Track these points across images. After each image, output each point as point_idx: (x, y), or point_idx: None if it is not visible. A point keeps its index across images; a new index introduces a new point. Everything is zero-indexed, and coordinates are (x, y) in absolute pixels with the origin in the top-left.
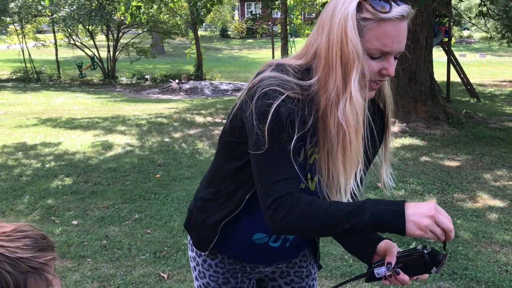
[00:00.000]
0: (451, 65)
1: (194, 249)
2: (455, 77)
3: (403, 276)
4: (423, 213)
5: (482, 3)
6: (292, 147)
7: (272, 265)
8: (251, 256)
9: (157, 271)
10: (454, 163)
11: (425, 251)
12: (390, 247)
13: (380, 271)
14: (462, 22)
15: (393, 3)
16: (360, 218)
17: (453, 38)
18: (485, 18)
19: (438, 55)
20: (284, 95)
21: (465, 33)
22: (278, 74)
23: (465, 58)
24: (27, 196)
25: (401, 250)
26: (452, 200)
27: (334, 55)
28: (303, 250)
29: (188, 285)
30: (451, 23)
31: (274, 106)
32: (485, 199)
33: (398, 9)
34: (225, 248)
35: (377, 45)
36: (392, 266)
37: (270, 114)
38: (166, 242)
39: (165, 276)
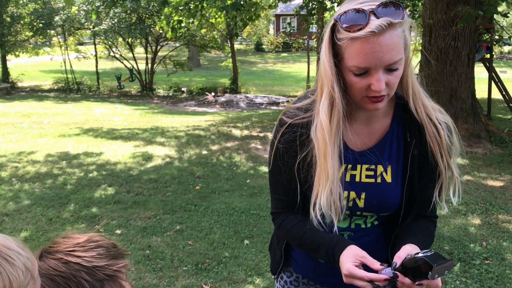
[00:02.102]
0: (492, 82)
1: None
2: (495, 94)
3: (402, 279)
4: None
5: None
6: (290, 169)
7: None
8: (320, 276)
9: (200, 283)
10: (497, 183)
11: (420, 255)
12: (402, 249)
13: (386, 271)
14: (505, 38)
15: (371, 17)
16: (318, 256)
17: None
18: None
19: (478, 71)
20: (286, 124)
21: (506, 48)
22: (295, 104)
23: (506, 75)
24: (72, 205)
25: (417, 252)
26: (497, 222)
27: (319, 77)
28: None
29: None
30: (494, 39)
31: (277, 137)
32: None
33: (373, 25)
34: (297, 266)
35: (354, 62)
36: (394, 267)
37: (271, 143)
38: (207, 254)
39: None
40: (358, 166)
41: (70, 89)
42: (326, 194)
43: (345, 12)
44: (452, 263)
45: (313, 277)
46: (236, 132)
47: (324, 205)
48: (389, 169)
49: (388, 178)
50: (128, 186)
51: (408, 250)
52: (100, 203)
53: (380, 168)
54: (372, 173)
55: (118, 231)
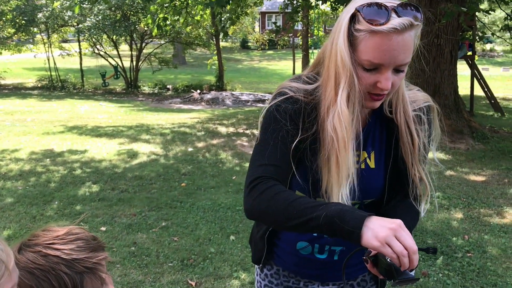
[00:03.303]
0: (474, 79)
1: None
2: (478, 91)
3: (371, 268)
4: (384, 224)
5: (508, 16)
6: (285, 139)
7: (326, 284)
8: (302, 268)
9: (185, 279)
10: (479, 178)
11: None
12: None
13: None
14: (486, 35)
15: (393, 14)
16: (320, 212)
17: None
18: (511, 31)
19: (460, 69)
20: (288, 95)
21: (488, 46)
22: (292, 82)
23: (488, 72)
24: (56, 202)
25: None
26: (479, 215)
27: (330, 64)
28: (361, 272)
29: None
30: (476, 37)
31: (276, 101)
32: None
33: (395, 22)
34: (278, 259)
35: (368, 56)
36: (368, 253)
37: (270, 107)
38: (193, 250)
39: (193, 283)
40: None
41: (54, 87)
42: (349, 187)
43: (367, 4)
44: (417, 280)
45: (293, 270)
46: (222, 129)
47: (347, 197)
48: (372, 155)
49: (372, 164)
50: (113, 183)
51: None
52: (84, 201)
53: (364, 154)
54: (357, 159)
55: (103, 228)
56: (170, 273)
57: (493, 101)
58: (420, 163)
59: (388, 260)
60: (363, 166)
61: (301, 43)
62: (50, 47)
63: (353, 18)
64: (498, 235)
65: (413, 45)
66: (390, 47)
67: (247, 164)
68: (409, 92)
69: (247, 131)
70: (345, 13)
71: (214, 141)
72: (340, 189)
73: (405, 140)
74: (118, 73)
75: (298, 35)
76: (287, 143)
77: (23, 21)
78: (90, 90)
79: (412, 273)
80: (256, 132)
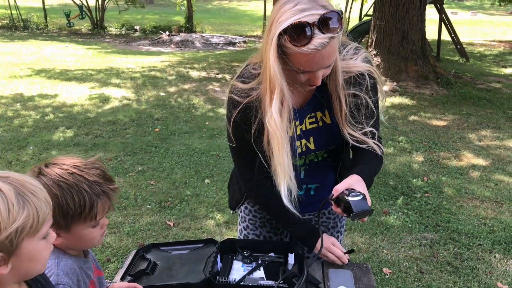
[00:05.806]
0: (442, 24)
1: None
2: (445, 36)
3: (335, 208)
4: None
5: None
6: (252, 140)
7: (303, 215)
8: None
9: (163, 220)
10: (441, 123)
11: (350, 198)
12: (343, 181)
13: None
14: None
15: (315, 31)
16: (290, 230)
17: None
18: None
19: (429, 12)
20: (240, 106)
21: None
22: (238, 83)
23: (456, 16)
24: (31, 147)
25: (352, 191)
26: (438, 158)
27: (266, 71)
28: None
29: (192, 233)
30: None
31: (233, 117)
32: (469, 158)
33: (316, 42)
34: None
35: (298, 66)
36: (330, 197)
37: (230, 123)
38: (170, 193)
39: (171, 224)
40: (304, 120)
41: (15, 27)
42: (287, 185)
43: (291, 25)
44: (372, 212)
45: None
46: (193, 74)
47: (285, 194)
48: (326, 112)
49: (328, 120)
50: (87, 129)
51: (348, 184)
52: (59, 146)
53: (319, 114)
54: (313, 120)
55: None
56: (148, 215)
57: (459, 47)
58: (352, 124)
59: (346, 198)
60: (320, 124)
61: None
62: None
63: (281, 35)
64: (455, 176)
65: (337, 46)
66: (315, 60)
67: (220, 110)
68: (343, 62)
69: (219, 76)
70: (274, 26)
71: (186, 86)
72: (281, 185)
73: (335, 104)
74: (83, 13)
75: None
76: (251, 145)
77: None
78: (54, 31)
79: (368, 206)
80: (228, 77)
